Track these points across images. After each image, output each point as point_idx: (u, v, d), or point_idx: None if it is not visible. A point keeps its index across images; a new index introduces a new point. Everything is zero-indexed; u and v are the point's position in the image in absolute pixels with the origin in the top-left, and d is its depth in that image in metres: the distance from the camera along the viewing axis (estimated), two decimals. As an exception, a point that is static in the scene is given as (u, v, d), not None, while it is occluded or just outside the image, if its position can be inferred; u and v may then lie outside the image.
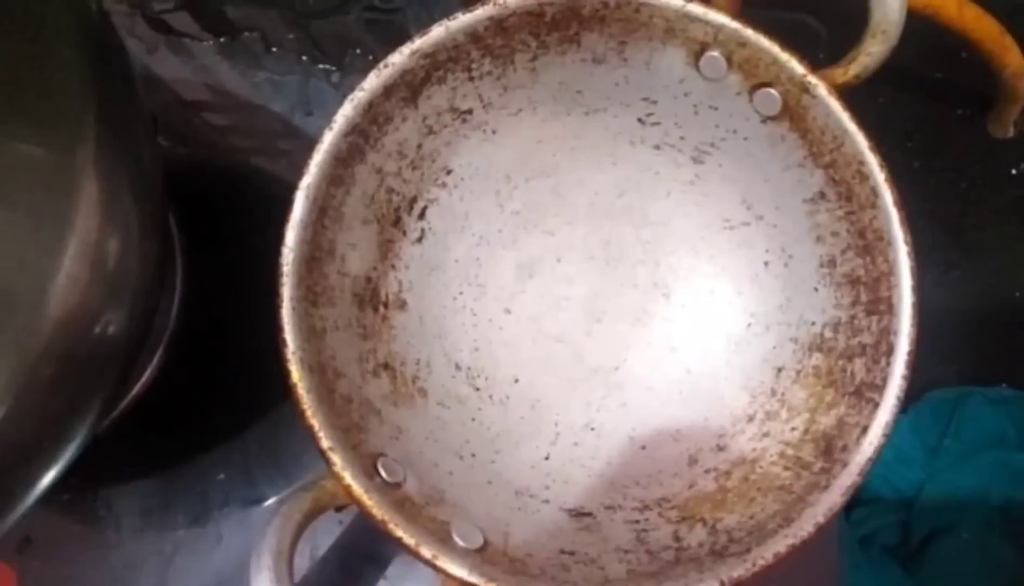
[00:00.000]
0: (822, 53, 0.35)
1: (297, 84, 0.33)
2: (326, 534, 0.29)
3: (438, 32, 0.21)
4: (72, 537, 0.29)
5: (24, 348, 0.15)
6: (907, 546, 0.35)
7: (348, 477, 0.19)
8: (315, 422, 0.19)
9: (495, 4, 0.21)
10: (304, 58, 0.33)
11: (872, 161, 0.20)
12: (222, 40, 0.33)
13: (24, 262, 0.15)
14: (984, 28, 0.37)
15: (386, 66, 0.21)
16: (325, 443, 0.19)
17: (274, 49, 0.33)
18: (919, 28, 0.38)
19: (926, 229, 0.44)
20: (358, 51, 0.33)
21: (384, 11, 0.34)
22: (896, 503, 0.35)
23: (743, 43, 0.21)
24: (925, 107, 0.45)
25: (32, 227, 0.15)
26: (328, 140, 0.20)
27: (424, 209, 0.25)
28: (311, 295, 0.21)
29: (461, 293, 0.26)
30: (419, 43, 0.21)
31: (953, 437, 0.36)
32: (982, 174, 0.44)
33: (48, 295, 0.15)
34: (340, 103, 0.33)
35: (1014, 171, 0.44)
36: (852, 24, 0.22)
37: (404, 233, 0.25)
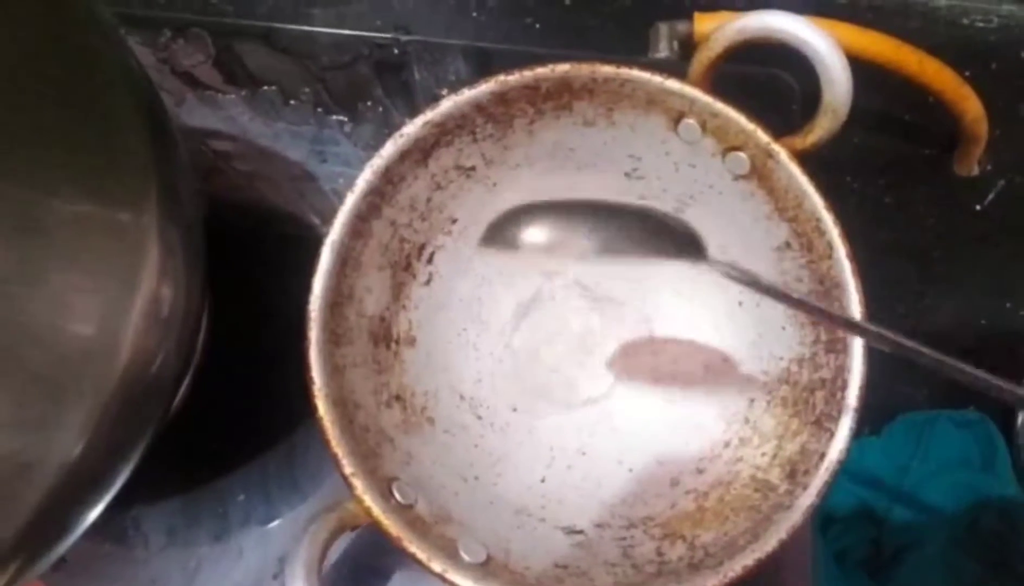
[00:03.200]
0: (795, 105, 0.38)
1: (312, 133, 0.36)
2: (333, 549, 0.31)
3: (447, 105, 0.24)
4: (102, 555, 0.31)
5: (99, 391, 0.17)
6: (878, 560, 0.37)
7: (368, 500, 0.21)
8: (339, 451, 0.22)
9: (497, 81, 0.24)
10: (319, 109, 0.36)
11: (827, 219, 0.23)
12: (244, 93, 0.36)
13: (100, 317, 0.17)
14: (944, 80, 0.40)
15: (401, 136, 0.24)
16: (348, 469, 0.21)
17: (291, 102, 0.36)
18: (888, 77, 0.41)
19: (897, 261, 0.47)
20: (368, 102, 0.36)
21: (393, 65, 0.37)
22: (868, 520, 0.38)
23: (715, 114, 0.24)
24: (896, 147, 0.48)
25: (105, 285, 0.18)
26: (350, 202, 0.23)
27: (432, 255, 0.28)
28: (334, 337, 0.23)
29: (465, 330, 0.29)
30: (431, 115, 0.24)
31: (922, 458, 0.39)
32: (949, 210, 0.47)
33: (120, 346, 0.17)
34: (352, 150, 0.36)
35: (978, 207, 0.48)
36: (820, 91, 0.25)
37: (414, 276, 0.27)
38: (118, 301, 0.18)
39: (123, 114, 0.21)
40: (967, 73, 0.43)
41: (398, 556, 0.21)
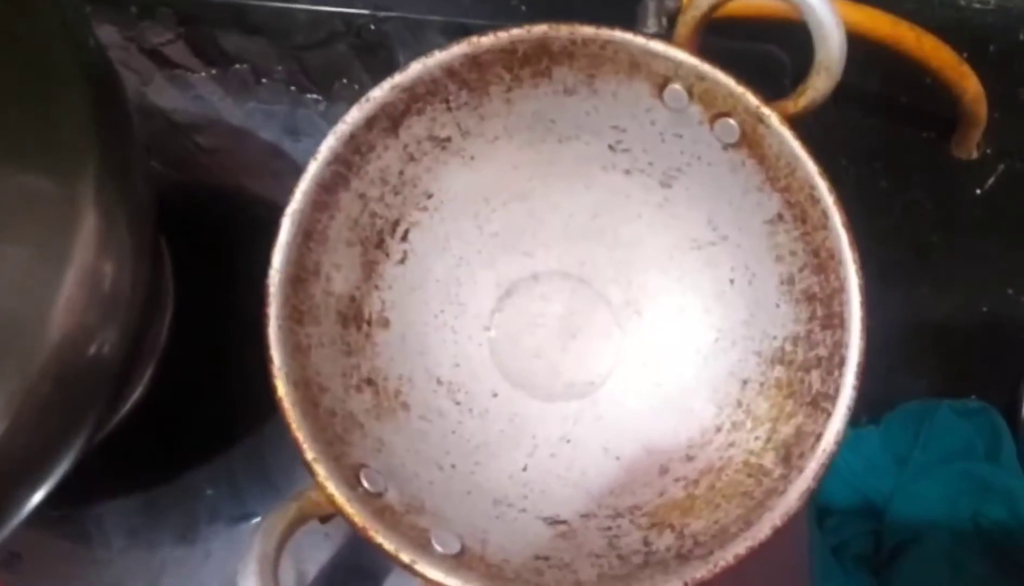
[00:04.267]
0: (786, 81, 0.37)
1: (285, 113, 0.34)
2: (312, 548, 0.30)
3: (416, 68, 0.22)
4: (61, 554, 0.30)
5: (25, 369, 0.16)
6: (878, 555, 0.36)
7: (331, 487, 0.20)
8: (300, 434, 0.20)
9: (469, 42, 0.22)
10: (292, 88, 0.35)
11: (822, 186, 0.22)
12: (214, 72, 0.35)
13: (27, 290, 0.16)
14: (942, 57, 0.39)
15: (367, 100, 0.22)
16: (309, 455, 0.20)
17: (264, 80, 0.35)
18: (885, 57, 0.40)
19: (894, 247, 0.45)
20: (344, 81, 0.35)
21: (371, 42, 0.36)
22: (867, 512, 0.36)
23: (701, 77, 0.23)
24: (892, 131, 0.47)
25: (35, 257, 0.16)
26: (312, 169, 0.22)
27: (406, 232, 0.26)
28: (297, 314, 0.22)
29: (442, 311, 0.27)
30: (398, 78, 0.22)
31: (922, 448, 0.37)
32: (947, 194, 0.46)
33: (48, 320, 0.16)
34: (327, 131, 0.34)
35: (978, 191, 0.46)
36: (813, 53, 0.24)
37: (387, 255, 0.26)
38: (47, 273, 0.16)
39: (65, 79, 0.19)
40: (965, 56, 0.42)
41: (383, 562, 0.20)
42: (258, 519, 0.31)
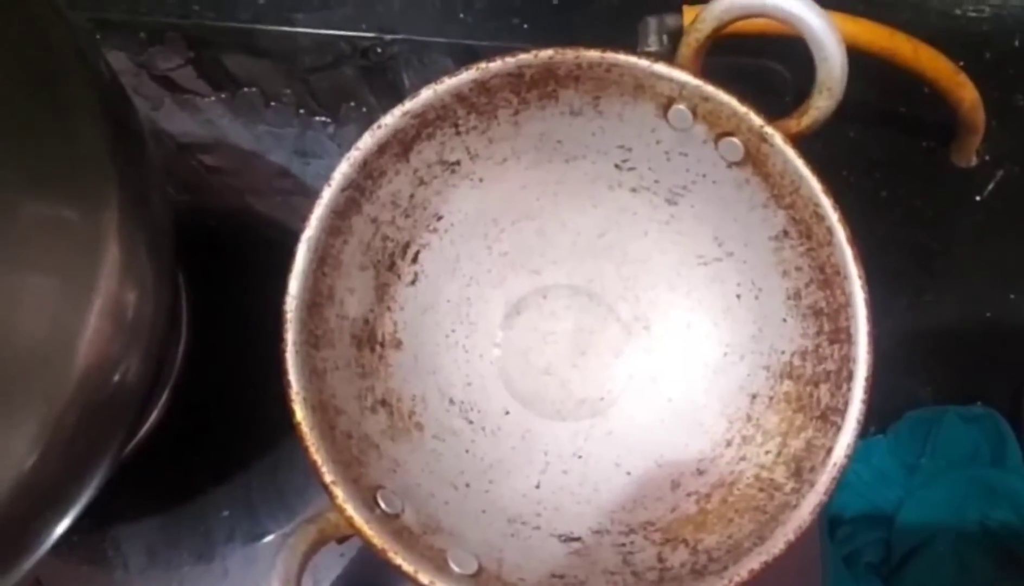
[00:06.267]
0: (788, 97, 0.37)
1: (294, 136, 0.35)
2: (327, 568, 0.30)
3: (427, 94, 0.23)
4: (80, 577, 0.30)
5: (52, 401, 0.16)
6: (889, 562, 0.36)
7: (350, 509, 0.20)
8: (318, 458, 0.20)
9: (478, 68, 0.23)
10: (301, 111, 0.35)
11: (826, 203, 0.22)
12: (224, 96, 0.35)
13: (54, 320, 0.16)
14: (939, 68, 0.39)
15: (379, 127, 0.23)
16: (328, 477, 0.20)
17: (273, 104, 0.35)
18: (883, 68, 0.41)
19: (896, 256, 0.46)
20: (352, 103, 0.35)
21: (378, 65, 0.36)
22: (877, 521, 0.36)
23: (706, 98, 0.23)
24: (892, 140, 0.47)
25: (61, 288, 0.17)
26: (327, 196, 0.22)
27: (417, 253, 0.27)
28: (312, 338, 0.22)
29: (453, 331, 0.28)
30: (409, 105, 0.23)
31: (930, 455, 0.38)
32: (948, 201, 0.46)
33: (74, 352, 0.16)
34: (336, 153, 0.35)
35: (978, 197, 0.47)
36: (814, 69, 0.24)
37: (399, 276, 0.26)
38: (73, 303, 0.17)
39: (83, 110, 0.20)
40: (961, 64, 0.42)
41: (395, 578, 0.20)
42: (273, 537, 0.31)
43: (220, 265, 0.33)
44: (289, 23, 0.44)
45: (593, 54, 0.23)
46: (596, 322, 0.29)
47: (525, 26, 0.47)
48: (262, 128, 0.35)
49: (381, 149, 0.23)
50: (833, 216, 0.22)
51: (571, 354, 0.28)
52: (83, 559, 0.30)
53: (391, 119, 0.23)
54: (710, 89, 0.23)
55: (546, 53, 0.23)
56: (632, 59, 0.23)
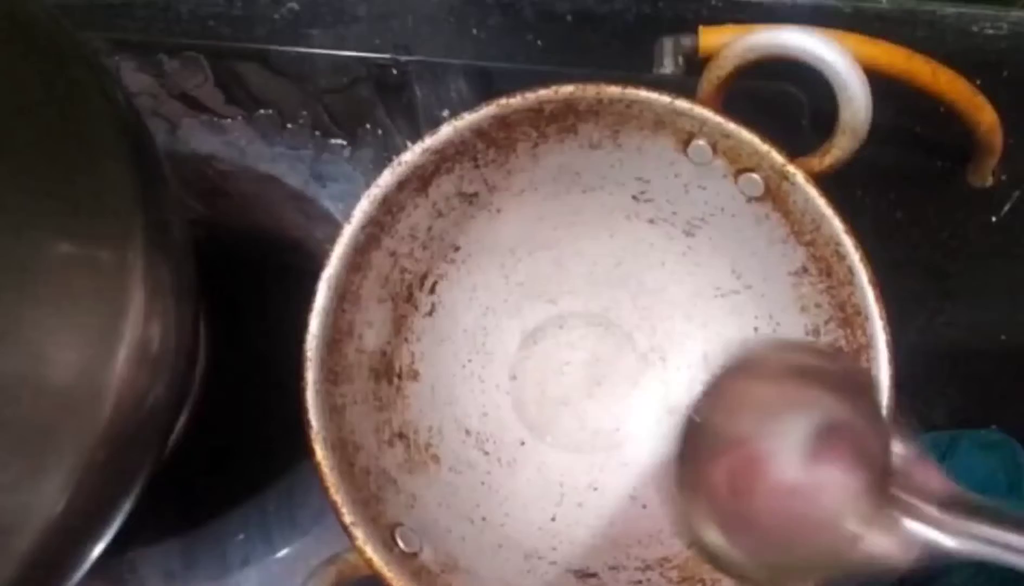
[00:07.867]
0: (804, 120, 0.37)
1: (311, 157, 0.35)
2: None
3: (447, 131, 0.23)
4: (97, 599, 0.30)
5: (82, 441, 0.16)
6: (903, 591, 0.36)
7: (370, 551, 0.20)
8: (338, 498, 0.20)
9: (498, 105, 0.23)
10: (317, 133, 0.35)
11: (848, 243, 0.22)
12: (241, 116, 0.35)
13: (83, 358, 0.16)
14: (957, 90, 0.39)
15: (400, 164, 0.23)
16: (348, 518, 0.20)
17: (289, 125, 0.35)
18: (898, 87, 0.40)
19: (910, 277, 0.45)
20: (368, 125, 0.35)
21: (393, 86, 0.36)
22: (891, 549, 0.36)
23: (727, 134, 0.23)
24: (907, 160, 0.47)
25: (89, 326, 0.17)
26: (347, 233, 0.22)
27: (434, 284, 0.27)
28: (332, 375, 0.22)
29: (470, 361, 0.28)
30: (429, 142, 0.23)
31: (944, 482, 0.37)
32: (963, 222, 0.46)
33: (105, 390, 0.16)
34: (352, 176, 0.35)
35: (994, 218, 0.46)
36: (831, 92, 0.24)
37: (416, 308, 0.26)
38: (100, 346, 0.17)
39: (106, 149, 0.20)
40: (978, 82, 0.42)
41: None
42: (285, 552, 0.31)
43: (236, 288, 0.33)
44: (305, 40, 0.45)
45: (614, 90, 0.23)
46: (612, 352, 0.28)
47: (539, 43, 0.47)
48: (279, 149, 0.35)
49: (400, 185, 0.23)
50: (855, 256, 0.22)
51: (587, 384, 0.28)
52: (100, 582, 0.30)
53: (411, 156, 0.23)
54: (731, 126, 0.23)
55: (567, 89, 0.23)
56: (653, 95, 0.23)
